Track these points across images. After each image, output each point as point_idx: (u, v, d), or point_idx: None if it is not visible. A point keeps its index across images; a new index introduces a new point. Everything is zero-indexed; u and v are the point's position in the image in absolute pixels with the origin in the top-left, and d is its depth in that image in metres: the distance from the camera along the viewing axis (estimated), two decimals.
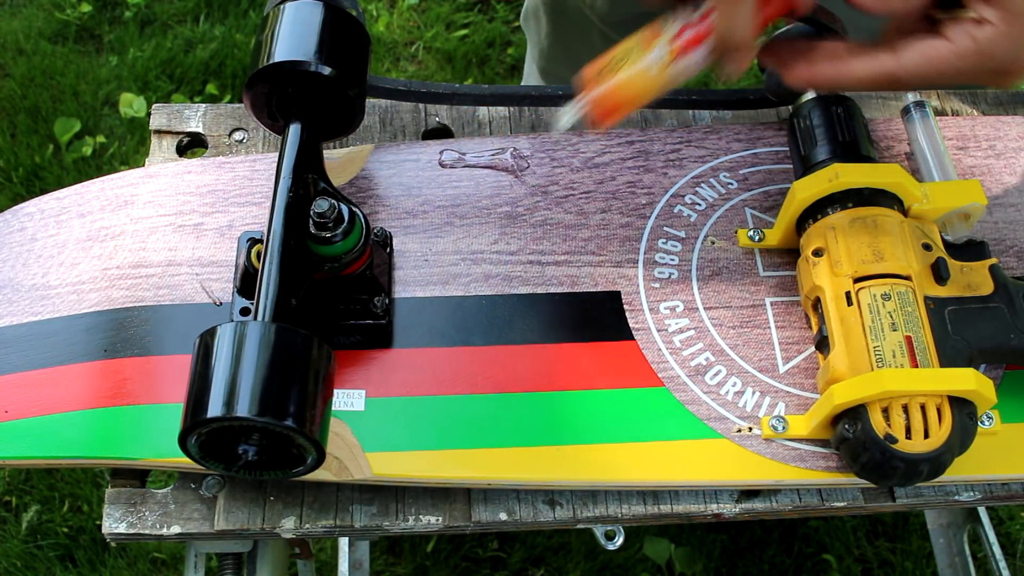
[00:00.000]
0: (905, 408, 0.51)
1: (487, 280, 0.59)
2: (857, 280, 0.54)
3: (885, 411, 0.51)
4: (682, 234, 0.61)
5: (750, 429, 0.55)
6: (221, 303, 0.57)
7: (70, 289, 0.58)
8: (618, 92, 0.50)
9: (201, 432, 0.44)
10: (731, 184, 0.63)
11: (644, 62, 0.49)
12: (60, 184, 1.39)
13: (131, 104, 1.56)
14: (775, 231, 0.60)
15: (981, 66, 0.44)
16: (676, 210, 0.62)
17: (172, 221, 0.60)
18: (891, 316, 0.53)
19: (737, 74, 0.49)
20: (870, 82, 0.45)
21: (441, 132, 0.67)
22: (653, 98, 0.50)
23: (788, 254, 0.61)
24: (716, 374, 0.56)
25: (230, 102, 1.41)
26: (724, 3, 0.45)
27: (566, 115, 0.52)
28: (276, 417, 0.43)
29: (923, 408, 0.50)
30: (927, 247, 0.56)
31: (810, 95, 0.62)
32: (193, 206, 0.60)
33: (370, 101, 0.67)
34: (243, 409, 0.43)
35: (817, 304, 0.56)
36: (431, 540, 1.21)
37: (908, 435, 0.50)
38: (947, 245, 0.57)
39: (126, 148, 1.53)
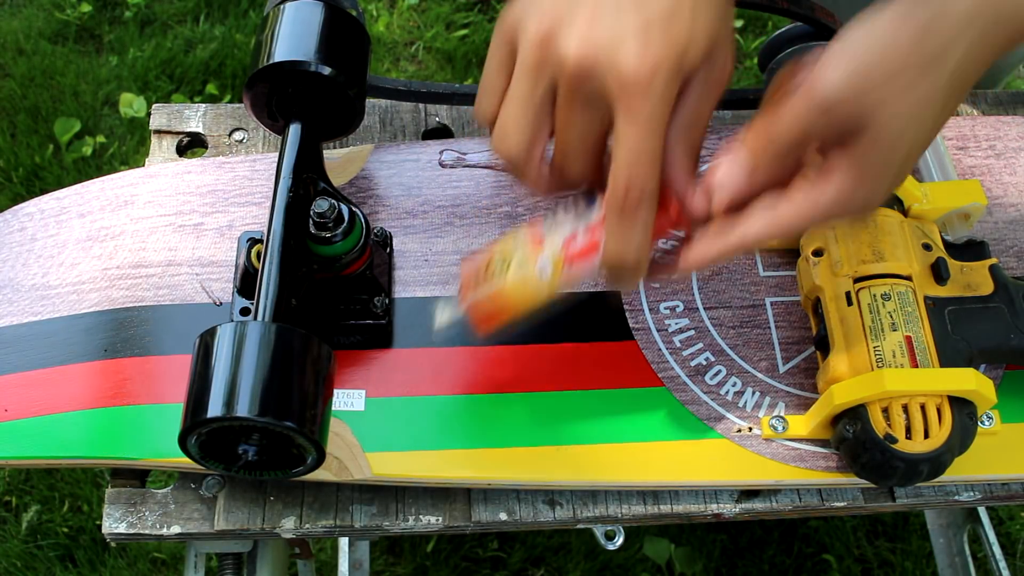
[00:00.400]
0: (905, 408, 0.51)
1: None
2: (857, 280, 0.54)
3: (885, 411, 0.51)
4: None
5: (750, 429, 0.55)
6: (221, 303, 0.57)
7: (70, 289, 0.58)
8: (499, 300, 0.46)
9: (201, 432, 0.44)
10: None
11: (529, 270, 0.45)
12: (60, 184, 1.39)
13: (131, 104, 1.56)
14: None
15: (822, 220, 0.44)
16: None
17: (172, 221, 0.60)
18: (891, 316, 0.53)
19: (628, 291, 0.47)
20: (719, 261, 0.46)
21: (441, 132, 0.67)
22: (538, 306, 0.47)
23: (788, 254, 0.61)
24: (716, 374, 0.56)
25: (230, 102, 1.41)
26: (618, 226, 0.43)
27: (444, 311, 0.49)
28: (276, 417, 0.43)
29: (923, 408, 0.50)
30: (927, 247, 0.56)
31: None
32: (193, 206, 0.60)
33: (370, 101, 0.67)
34: (243, 409, 0.43)
35: (817, 304, 0.56)
36: (431, 540, 1.21)
37: (908, 435, 0.50)
38: (947, 245, 0.57)
39: (126, 148, 1.53)
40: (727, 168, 0.44)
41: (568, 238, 0.45)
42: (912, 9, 0.41)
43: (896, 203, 0.57)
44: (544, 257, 0.45)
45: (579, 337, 0.57)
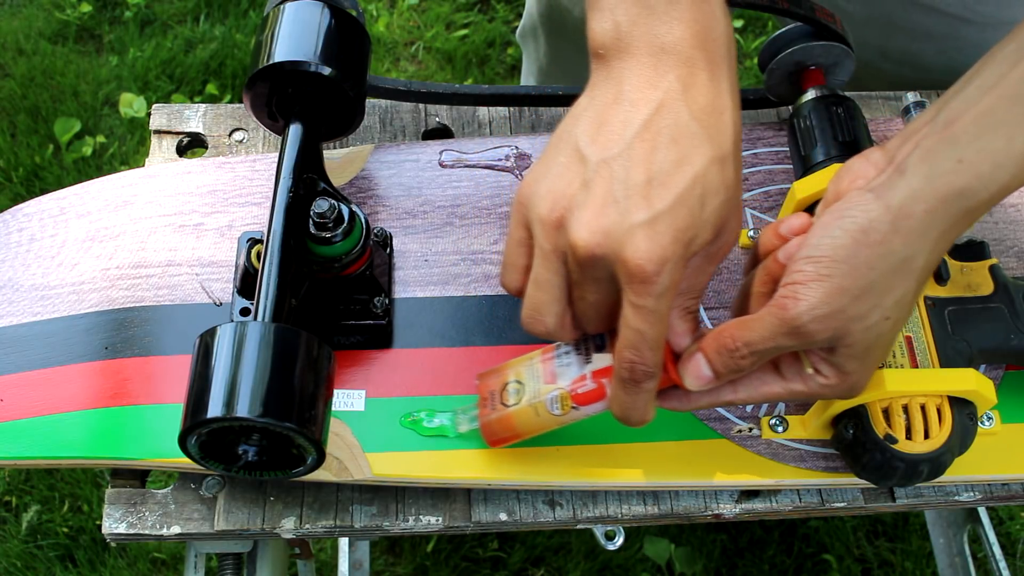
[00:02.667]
0: (905, 408, 0.51)
1: (487, 280, 0.58)
2: None
3: (885, 411, 0.51)
4: None
5: (750, 429, 0.55)
6: (221, 303, 0.57)
7: (70, 289, 0.58)
8: (512, 424, 0.50)
9: (201, 432, 0.44)
10: None
11: (540, 402, 0.49)
12: (60, 184, 1.39)
13: (131, 104, 1.56)
14: None
15: (811, 400, 0.47)
16: None
17: (172, 221, 0.60)
18: None
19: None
20: (709, 407, 0.48)
21: (441, 132, 0.67)
22: (545, 431, 0.50)
23: None
24: None
25: (230, 102, 1.41)
26: (623, 395, 0.45)
27: (463, 423, 0.52)
28: (276, 417, 0.43)
29: (923, 408, 0.50)
30: None
31: (810, 95, 0.62)
32: (193, 206, 0.60)
33: (370, 101, 0.67)
34: (243, 409, 0.43)
35: None
36: (431, 540, 1.21)
37: (908, 435, 0.50)
38: None
39: (126, 148, 1.53)
40: (695, 369, 0.45)
41: (577, 379, 0.48)
42: (873, 222, 0.42)
43: None
44: (554, 395, 0.49)
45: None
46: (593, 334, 0.48)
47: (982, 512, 0.89)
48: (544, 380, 0.49)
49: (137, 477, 0.55)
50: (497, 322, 0.57)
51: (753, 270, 0.47)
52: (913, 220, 0.41)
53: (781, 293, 0.43)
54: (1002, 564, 0.84)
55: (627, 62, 0.43)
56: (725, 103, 0.44)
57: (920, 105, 0.65)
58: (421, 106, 0.68)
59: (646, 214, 0.41)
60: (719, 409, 0.55)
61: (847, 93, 0.64)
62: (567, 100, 0.65)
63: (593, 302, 0.44)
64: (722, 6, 0.44)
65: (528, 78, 1.02)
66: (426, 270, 0.59)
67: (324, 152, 0.57)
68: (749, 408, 0.55)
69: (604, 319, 0.45)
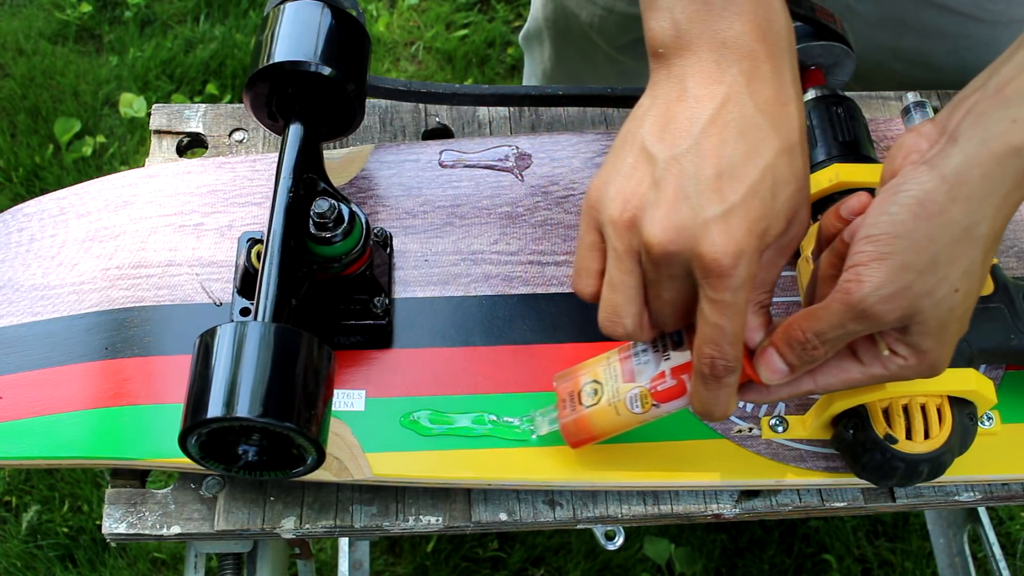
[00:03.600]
0: (905, 408, 0.51)
1: (487, 280, 0.59)
2: None
3: (885, 411, 0.51)
4: None
5: (750, 429, 0.55)
6: (221, 303, 0.57)
7: (70, 289, 0.58)
8: (592, 425, 0.50)
9: (201, 432, 0.44)
10: None
11: (619, 402, 0.49)
12: (60, 184, 1.39)
13: (131, 104, 1.56)
14: None
15: (891, 382, 0.46)
16: None
17: (172, 221, 0.60)
18: None
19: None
20: (791, 398, 0.48)
21: (441, 132, 0.67)
22: (625, 431, 0.51)
23: None
24: None
25: (230, 102, 1.41)
26: (704, 391, 0.45)
27: (542, 425, 0.52)
28: (276, 417, 0.43)
29: (923, 408, 0.50)
30: None
31: (809, 95, 0.62)
32: (193, 206, 0.60)
33: (370, 101, 0.67)
34: (243, 409, 0.43)
35: None
36: (431, 540, 1.21)
37: (908, 435, 0.50)
38: None
39: (126, 148, 1.53)
40: (769, 363, 0.45)
41: (656, 376, 0.48)
42: (929, 194, 0.41)
43: None
44: (634, 393, 0.49)
45: (580, 337, 0.57)
46: (670, 332, 0.48)
47: (982, 512, 0.89)
48: (623, 379, 0.49)
49: (137, 477, 0.55)
50: (497, 322, 0.57)
51: (820, 256, 0.47)
52: (970, 186, 0.41)
53: (844, 277, 0.42)
54: (1002, 564, 0.84)
55: (688, 59, 0.43)
56: (789, 94, 0.43)
57: (920, 105, 0.65)
58: (421, 106, 0.68)
59: (719, 208, 0.41)
60: None
61: (851, 93, 0.64)
62: (567, 100, 0.65)
63: (670, 300, 0.44)
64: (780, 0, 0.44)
65: (531, 81, 1.02)
66: (426, 270, 0.59)
67: (324, 152, 0.57)
68: (749, 408, 0.55)
69: (681, 316, 0.45)
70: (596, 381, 0.50)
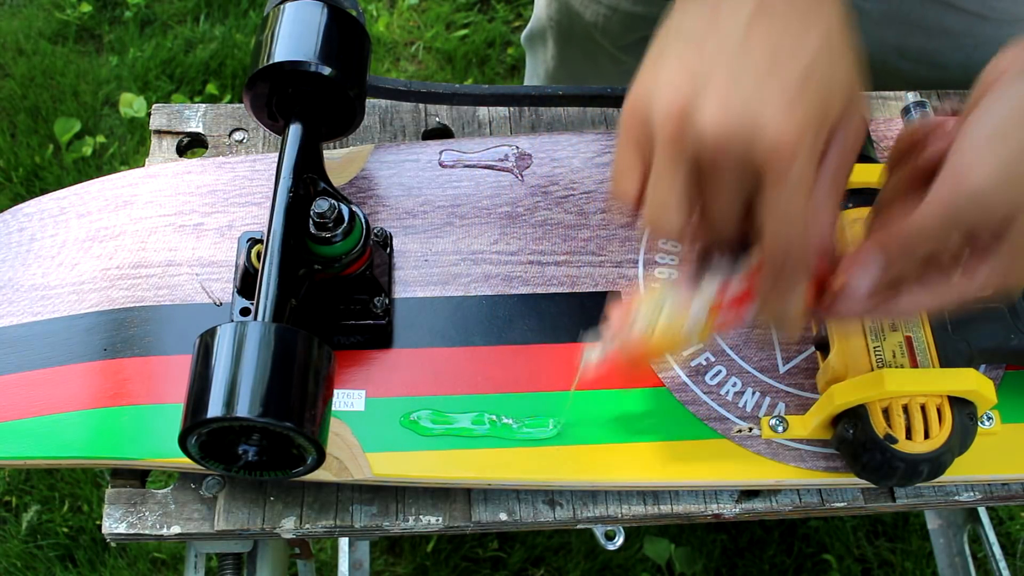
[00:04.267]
0: (905, 408, 0.51)
1: (487, 280, 0.59)
2: None
3: (885, 411, 0.51)
4: None
5: (750, 429, 0.55)
6: (221, 303, 0.57)
7: (70, 289, 0.58)
8: (651, 345, 0.47)
9: (201, 432, 0.44)
10: None
11: (680, 314, 0.45)
12: (60, 184, 1.39)
13: (131, 104, 1.56)
14: None
15: (974, 296, 0.43)
16: None
17: (172, 221, 0.60)
18: None
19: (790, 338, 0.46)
20: (864, 316, 0.44)
21: (441, 132, 0.67)
22: (691, 344, 0.47)
23: None
24: (716, 374, 0.56)
25: (230, 102, 1.41)
26: (775, 288, 0.42)
27: (594, 353, 0.49)
28: (276, 417, 0.43)
29: (923, 408, 0.50)
30: None
31: None
32: (193, 206, 0.60)
33: (370, 101, 0.67)
34: (243, 409, 0.43)
35: None
36: (431, 540, 1.21)
37: (908, 435, 0.50)
38: None
39: (126, 148, 1.53)
40: (861, 270, 0.42)
41: (722, 284, 0.45)
42: None
43: None
44: (698, 302, 0.45)
45: (579, 337, 0.57)
46: (728, 242, 0.44)
47: (982, 512, 0.89)
48: (684, 291, 0.46)
49: (137, 477, 0.55)
50: (497, 322, 0.57)
51: (893, 173, 0.44)
52: None
53: (951, 165, 0.39)
54: (1002, 564, 0.84)
55: None
56: None
57: (920, 105, 0.65)
58: (421, 106, 0.68)
59: (776, 85, 0.38)
60: (719, 409, 0.55)
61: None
62: (567, 100, 0.65)
63: (728, 200, 0.41)
64: None
65: (532, 81, 1.02)
66: (426, 270, 0.59)
67: (324, 152, 0.57)
68: (749, 408, 0.55)
69: (739, 218, 0.42)
70: (654, 300, 0.47)
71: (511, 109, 0.68)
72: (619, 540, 0.56)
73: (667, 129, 0.40)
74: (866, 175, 0.56)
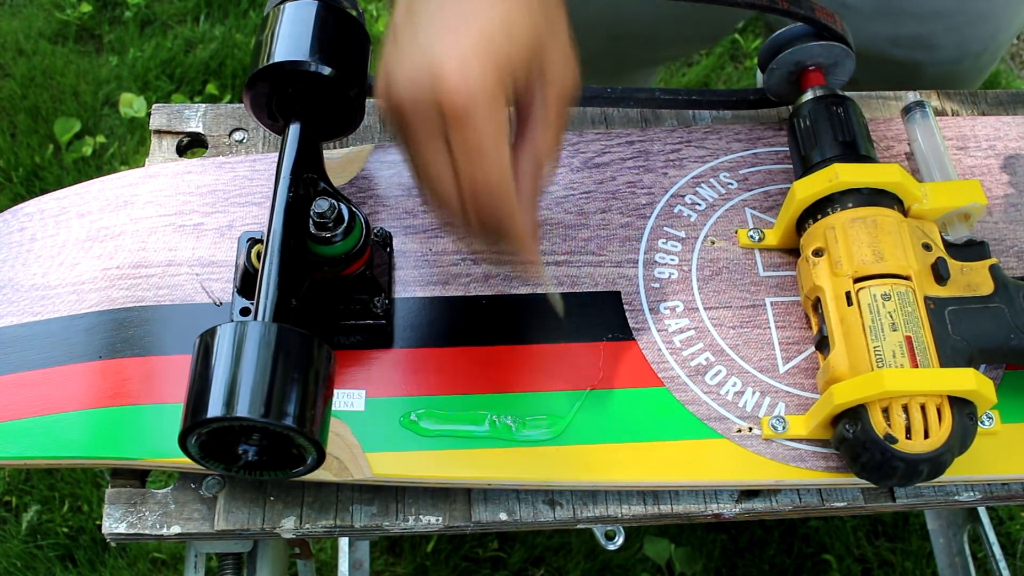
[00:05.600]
0: (905, 408, 0.51)
1: (487, 280, 0.59)
2: (857, 280, 0.54)
3: (885, 411, 0.51)
4: (682, 234, 0.61)
5: (750, 429, 0.55)
6: (221, 303, 0.57)
7: (70, 289, 0.58)
8: None
9: (201, 432, 0.44)
10: (731, 184, 0.63)
11: None
12: (60, 184, 1.39)
13: (131, 104, 1.56)
14: (775, 231, 0.60)
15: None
16: (676, 210, 0.62)
17: (172, 221, 0.60)
18: (891, 316, 0.53)
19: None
20: None
21: None
22: None
23: (788, 254, 0.61)
24: (716, 374, 0.56)
25: (230, 102, 1.41)
26: (481, 236, 0.46)
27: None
28: (276, 417, 0.43)
29: (923, 408, 0.50)
30: (927, 247, 0.56)
31: (809, 95, 0.62)
32: (193, 206, 0.60)
33: (370, 101, 0.67)
34: (243, 409, 0.43)
35: (817, 304, 0.56)
36: (431, 540, 1.21)
37: (908, 435, 0.50)
38: (947, 245, 0.57)
39: (126, 148, 1.53)
40: None
41: None
42: None
43: (896, 203, 0.57)
44: None
45: (579, 337, 0.57)
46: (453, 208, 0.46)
47: (982, 512, 0.89)
48: None
49: (137, 477, 0.55)
50: (497, 322, 0.57)
51: None
52: None
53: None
54: (1002, 564, 0.84)
55: None
56: None
57: (920, 105, 0.65)
58: None
59: (451, 46, 0.41)
60: (719, 409, 0.55)
61: (851, 93, 0.64)
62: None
63: (430, 152, 0.43)
64: None
65: None
66: (426, 270, 0.59)
67: (324, 152, 0.57)
68: (749, 408, 0.55)
69: (449, 178, 0.44)
70: None
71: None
72: (619, 540, 0.56)
73: (380, 104, 0.44)
74: (866, 175, 0.56)
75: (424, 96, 0.41)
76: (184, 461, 0.48)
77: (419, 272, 0.59)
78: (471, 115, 0.41)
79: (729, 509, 0.55)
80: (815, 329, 0.57)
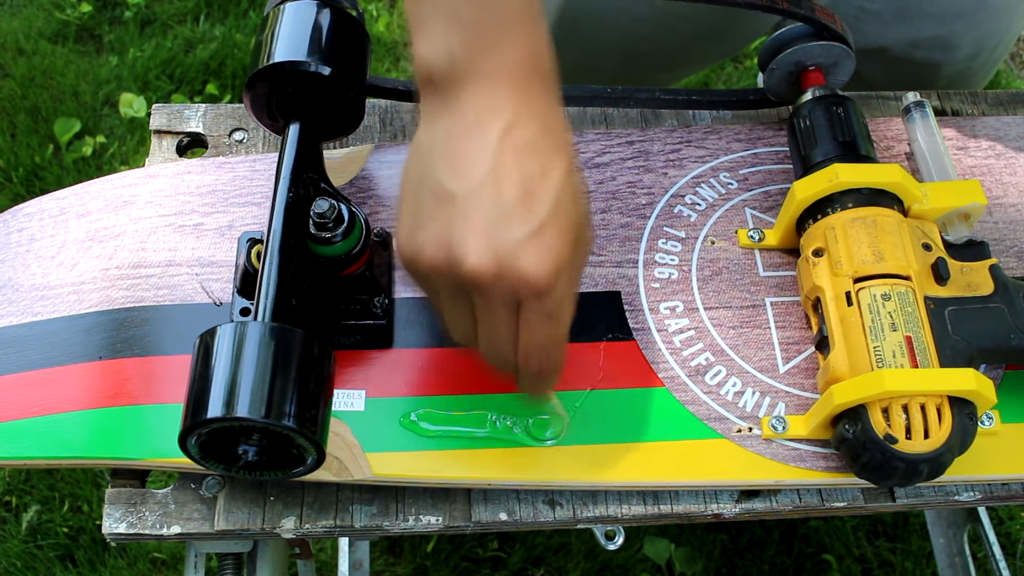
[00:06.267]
0: (905, 408, 0.51)
1: None
2: (857, 280, 0.54)
3: (885, 411, 0.51)
4: (682, 234, 0.61)
5: (750, 429, 0.55)
6: (221, 303, 0.57)
7: (70, 289, 0.58)
8: None
9: (201, 432, 0.44)
10: (731, 184, 0.63)
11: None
12: (60, 184, 1.39)
13: (131, 104, 1.56)
14: (775, 231, 0.60)
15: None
16: (676, 210, 0.62)
17: (172, 221, 0.60)
18: (891, 316, 0.53)
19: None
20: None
21: None
22: None
23: (788, 254, 0.61)
24: (716, 374, 0.56)
25: (230, 102, 1.41)
26: (534, 388, 0.49)
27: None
28: (276, 417, 0.43)
29: (923, 408, 0.50)
30: (927, 247, 0.56)
31: (809, 95, 0.62)
32: (193, 206, 0.60)
33: (370, 101, 0.67)
34: (243, 409, 0.43)
35: (817, 304, 0.56)
36: (431, 540, 1.21)
37: (908, 435, 0.50)
38: (947, 245, 0.57)
39: (126, 148, 1.53)
40: None
41: None
42: None
43: (896, 203, 0.57)
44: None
45: (579, 337, 0.57)
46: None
47: (982, 512, 0.89)
48: None
49: (137, 477, 0.55)
50: None
51: None
52: None
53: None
54: (1002, 564, 0.84)
55: (467, 90, 0.44)
56: (562, 122, 0.45)
57: (920, 105, 0.65)
58: None
59: (531, 226, 0.42)
60: (719, 409, 0.55)
61: (851, 93, 0.64)
62: (567, 100, 0.65)
63: (505, 325, 0.45)
64: (547, 29, 0.46)
65: None
66: None
67: (324, 152, 0.57)
68: (749, 408, 0.55)
69: (512, 345, 0.46)
70: None
71: None
72: (619, 540, 0.56)
73: (444, 283, 0.44)
74: (866, 175, 0.56)
75: (506, 274, 0.42)
76: (184, 461, 0.48)
77: None
78: (555, 290, 0.43)
79: (729, 509, 0.55)
80: (815, 329, 0.57)
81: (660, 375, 0.56)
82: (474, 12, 0.43)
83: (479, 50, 0.43)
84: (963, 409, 0.51)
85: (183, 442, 0.45)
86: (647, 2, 0.77)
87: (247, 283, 0.54)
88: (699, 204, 0.62)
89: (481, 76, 0.43)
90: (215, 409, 0.43)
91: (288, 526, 0.53)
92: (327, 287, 0.53)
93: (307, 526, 0.53)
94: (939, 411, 0.51)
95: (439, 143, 0.44)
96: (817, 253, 0.56)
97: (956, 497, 0.56)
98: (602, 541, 0.56)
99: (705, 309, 0.58)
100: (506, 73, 0.43)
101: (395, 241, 0.45)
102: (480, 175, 0.42)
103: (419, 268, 0.44)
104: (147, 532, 0.53)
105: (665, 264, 0.60)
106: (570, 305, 0.45)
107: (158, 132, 0.66)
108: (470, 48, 0.43)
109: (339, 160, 0.63)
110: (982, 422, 0.55)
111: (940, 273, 0.55)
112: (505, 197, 0.42)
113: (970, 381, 0.50)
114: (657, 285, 0.59)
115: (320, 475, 0.51)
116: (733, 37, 0.84)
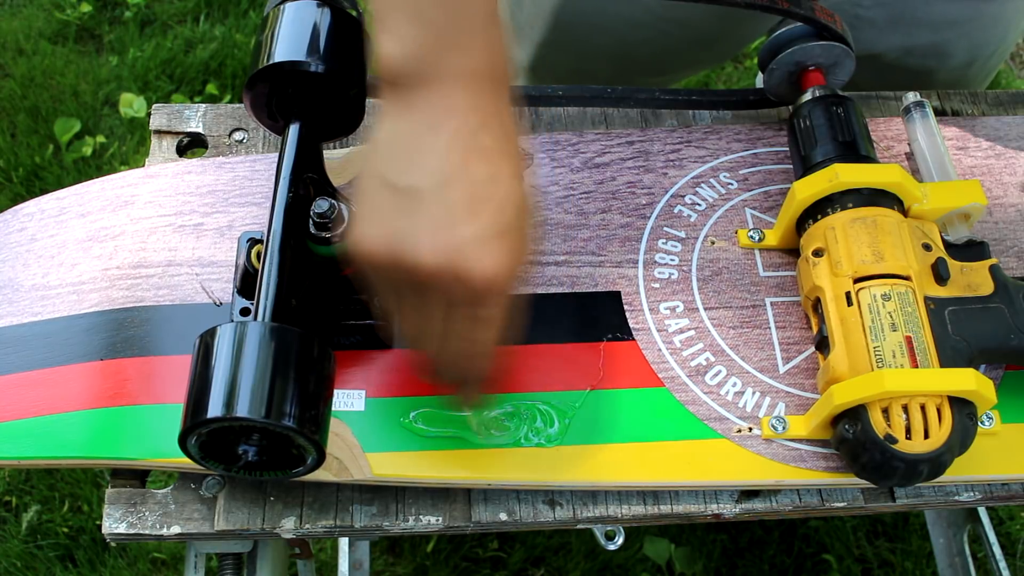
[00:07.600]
0: (905, 408, 0.51)
1: None
2: (857, 280, 0.54)
3: (885, 411, 0.51)
4: (682, 234, 0.61)
5: (750, 429, 0.55)
6: (221, 303, 0.57)
7: (70, 289, 0.58)
8: None
9: (201, 432, 0.44)
10: (731, 184, 0.63)
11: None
12: (60, 184, 1.39)
13: (131, 104, 1.56)
14: (775, 231, 0.60)
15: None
16: (676, 210, 0.62)
17: (172, 221, 0.60)
18: (891, 316, 0.53)
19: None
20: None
21: None
22: None
23: (788, 254, 0.61)
24: (716, 374, 0.56)
25: (230, 102, 1.41)
26: (466, 394, 0.51)
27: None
28: (276, 418, 0.43)
29: (923, 408, 0.50)
30: (927, 247, 0.56)
31: (809, 95, 0.62)
32: (193, 206, 0.60)
33: (370, 101, 0.67)
34: (243, 409, 0.43)
35: (817, 304, 0.56)
36: (431, 540, 1.21)
37: (908, 435, 0.50)
38: (947, 245, 0.57)
39: (126, 148, 1.53)
40: None
41: None
42: None
43: (896, 203, 0.57)
44: None
45: (579, 337, 0.57)
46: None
47: (982, 512, 0.89)
48: None
49: (137, 477, 0.55)
50: None
51: None
52: None
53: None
54: (1002, 564, 0.84)
55: (423, 89, 0.44)
56: (513, 126, 0.46)
57: (920, 105, 0.65)
58: None
59: (473, 229, 0.42)
60: (719, 409, 0.55)
61: (851, 93, 0.64)
62: (567, 100, 0.65)
63: (436, 321, 0.45)
64: (506, 36, 0.46)
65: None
66: None
67: (324, 152, 0.57)
68: (749, 408, 0.55)
69: (441, 341, 0.47)
70: None
71: None
72: (619, 540, 0.56)
73: (389, 281, 0.45)
74: (866, 175, 0.56)
75: (449, 273, 0.42)
76: (184, 461, 0.48)
77: None
78: (500, 296, 0.44)
79: (729, 509, 0.55)
80: (815, 329, 0.57)
81: (660, 375, 0.56)
82: (436, 13, 0.44)
83: (438, 51, 0.44)
84: (963, 409, 0.51)
85: (183, 442, 0.45)
86: (642, 7, 0.77)
87: (247, 283, 0.54)
88: (699, 204, 0.62)
89: (438, 77, 0.44)
90: (215, 409, 0.43)
91: (288, 526, 0.53)
92: (327, 287, 0.53)
93: (307, 526, 0.53)
94: (939, 411, 0.51)
95: (396, 141, 0.45)
96: (817, 253, 0.56)
97: (956, 497, 0.56)
98: (602, 541, 0.56)
99: (705, 309, 0.58)
100: (462, 76, 0.44)
101: (350, 235, 0.45)
102: (430, 175, 0.43)
103: (368, 260, 0.45)
104: (147, 532, 0.53)
105: (665, 264, 0.60)
106: (503, 313, 0.45)
107: (158, 132, 0.66)
108: (430, 49, 0.44)
109: (339, 160, 0.63)
110: (982, 422, 0.55)
111: (940, 273, 0.55)
112: (452, 199, 0.43)
113: (970, 381, 0.50)
114: (657, 285, 0.59)
115: (320, 475, 0.51)
116: (727, 42, 0.84)
